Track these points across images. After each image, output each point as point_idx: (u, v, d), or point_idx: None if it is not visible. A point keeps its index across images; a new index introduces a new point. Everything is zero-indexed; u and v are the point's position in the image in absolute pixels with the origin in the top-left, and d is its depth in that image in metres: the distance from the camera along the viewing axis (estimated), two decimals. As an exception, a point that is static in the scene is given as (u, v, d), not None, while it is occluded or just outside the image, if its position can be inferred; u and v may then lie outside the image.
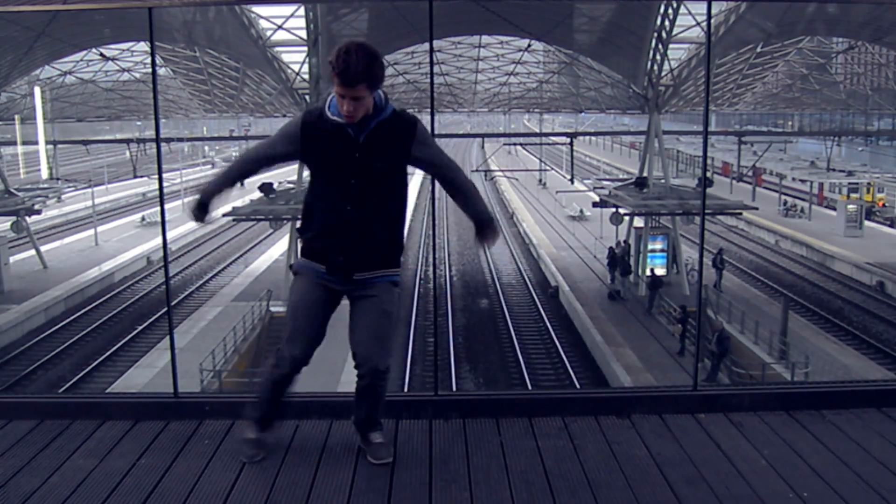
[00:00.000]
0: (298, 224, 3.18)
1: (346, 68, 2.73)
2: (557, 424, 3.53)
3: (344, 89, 2.77)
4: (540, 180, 53.13)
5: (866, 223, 34.16)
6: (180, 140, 46.89)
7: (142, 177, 41.93)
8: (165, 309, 25.17)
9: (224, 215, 30.38)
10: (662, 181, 28.48)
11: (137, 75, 31.55)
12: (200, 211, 3.11)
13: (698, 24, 23.59)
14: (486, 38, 29.58)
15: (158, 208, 30.68)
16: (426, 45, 27.08)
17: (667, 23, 23.83)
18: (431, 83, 31.59)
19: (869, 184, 40.47)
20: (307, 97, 26.85)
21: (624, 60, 27.75)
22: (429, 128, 3.20)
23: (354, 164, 2.92)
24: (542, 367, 20.81)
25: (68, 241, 35.27)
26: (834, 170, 43.51)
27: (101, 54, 28.59)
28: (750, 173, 43.88)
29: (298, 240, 3.18)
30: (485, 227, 3.09)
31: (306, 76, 26.08)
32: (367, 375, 3.08)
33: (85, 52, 28.54)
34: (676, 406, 3.70)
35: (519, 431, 3.45)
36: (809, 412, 3.67)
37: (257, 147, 3.14)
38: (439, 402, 3.67)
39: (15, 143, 39.45)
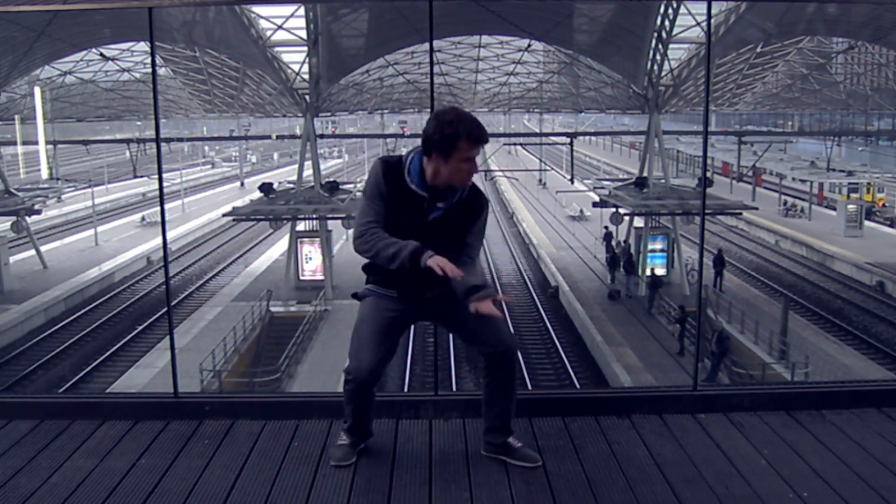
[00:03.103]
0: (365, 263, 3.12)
1: (477, 126, 2.84)
2: (557, 424, 3.53)
3: (476, 149, 2.86)
4: (540, 180, 53.12)
5: (866, 223, 34.16)
6: (180, 140, 46.86)
7: (142, 177, 41.93)
8: (165, 309, 25.18)
9: (224, 215, 30.45)
10: (662, 181, 28.49)
11: (137, 75, 31.54)
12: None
13: (698, 24, 23.58)
14: (486, 38, 29.56)
15: (158, 208, 30.75)
16: (426, 45, 27.06)
17: (667, 23, 23.82)
18: (431, 83, 31.56)
19: (869, 184, 40.47)
20: (307, 97, 26.85)
21: (624, 60, 27.75)
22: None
23: (422, 229, 2.94)
24: (542, 367, 20.81)
25: (68, 241, 35.27)
26: (834, 170, 43.51)
27: (101, 54, 28.58)
28: (750, 173, 43.89)
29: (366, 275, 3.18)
30: (475, 292, 2.88)
31: (306, 76, 26.08)
32: (504, 358, 3.08)
33: (85, 52, 28.51)
34: (676, 406, 3.70)
35: (519, 431, 3.45)
36: (809, 412, 3.67)
37: (372, 222, 2.98)
38: (439, 402, 3.67)
39: (15, 143, 39.43)
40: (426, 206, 2.94)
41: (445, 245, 2.91)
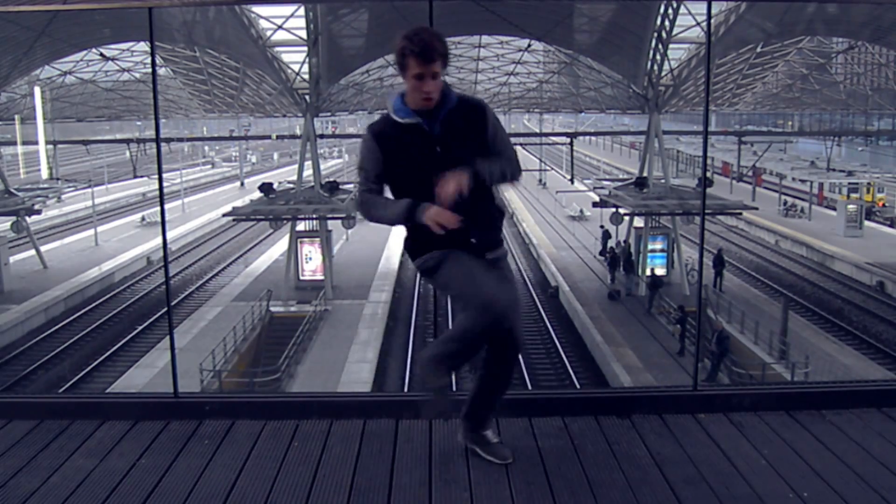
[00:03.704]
0: (405, 240, 3.04)
1: (424, 45, 2.73)
2: (557, 424, 3.53)
3: (424, 66, 2.74)
4: (540, 180, 53.13)
5: (866, 223, 34.16)
6: (180, 140, 46.90)
7: (142, 177, 41.95)
8: (165, 309, 25.18)
9: (224, 215, 30.45)
10: (662, 181, 28.49)
11: (137, 75, 31.56)
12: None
13: (698, 24, 23.60)
14: (486, 38, 29.57)
15: (158, 208, 30.78)
16: (426, 45, 27.02)
17: (667, 23, 23.83)
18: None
19: (869, 184, 40.48)
20: (307, 97, 26.85)
21: (624, 60, 27.75)
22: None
23: (437, 160, 2.85)
24: (542, 367, 20.80)
25: (68, 241, 35.28)
26: (834, 170, 43.54)
27: (101, 54, 28.60)
28: (750, 173, 43.89)
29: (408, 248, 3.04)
30: (471, 172, 2.82)
31: (306, 76, 26.08)
32: (512, 355, 3.07)
33: (85, 52, 28.54)
34: (676, 406, 3.70)
35: (519, 431, 3.45)
36: (809, 412, 3.67)
37: (368, 186, 2.96)
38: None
39: (15, 143, 39.46)
40: (427, 128, 2.87)
41: (464, 157, 2.84)
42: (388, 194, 2.99)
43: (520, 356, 3.14)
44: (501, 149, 2.98)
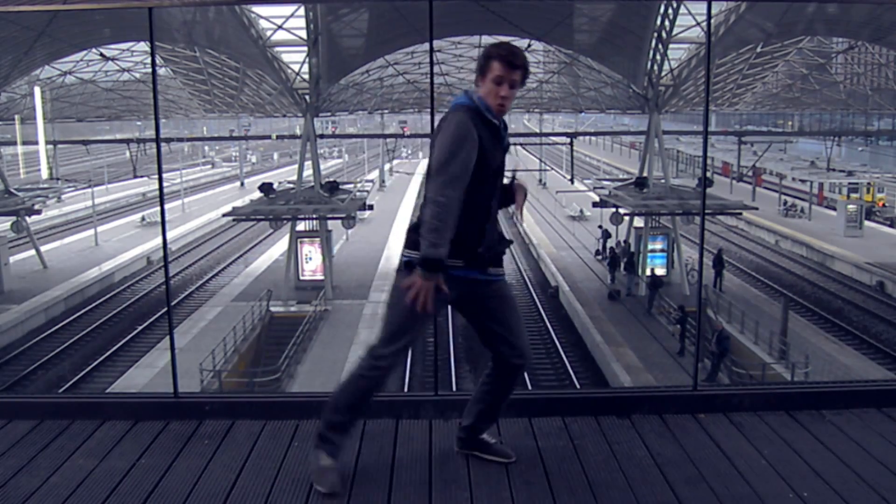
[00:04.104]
0: (409, 230, 2.97)
1: (511, 51, 2.89)
2: (557, 424, 3.53)
3: (506, 71, 2.86)
4: (540, 180, 53.12)
5: (866, 223, 34.17)
6: (180, 140, 46.90)
7: (142, 177, 41.94)
8: (165, 309, 25.18)
9: (224, 215, 30.44)
10: (662, 181, 28.50)
11: (137, 75, 31.55)
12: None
13: (698, 24, 23.58)
14: (486, 38, 29.54)
15: (158, 208, 30.76)
16: (426, 45, 27.06)
17: (667, 23, 23.82)
18: (431, 83, 31.59)
19: (869, 184, 40.48)
20: (307, 97, 26.85)
21: (624, 60, 27.75)
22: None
23: (499, 167, 2.99)
24: (542, 367, 20.80)
25: (68, 241, 35.28)
26: (834, 170, 43.53)
27: (101, 54, 28.59)
28: (750, 173, 43.88)
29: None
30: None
31: (306, 76, 26.08)
32: (522, 365, 3.14)
33: (85, 52, 28.53)
34: (676, 406, 3.70)
35: (519, 431, 3.45)
36: (809, 412, 3.67)
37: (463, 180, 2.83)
38: (439, 401, 3.67)
39: (15, 143, 39.45)
40: (503, 134, 2.98)
41: (502, 171, 3.03)
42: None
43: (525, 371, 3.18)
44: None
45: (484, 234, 2.95)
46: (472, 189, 2.85)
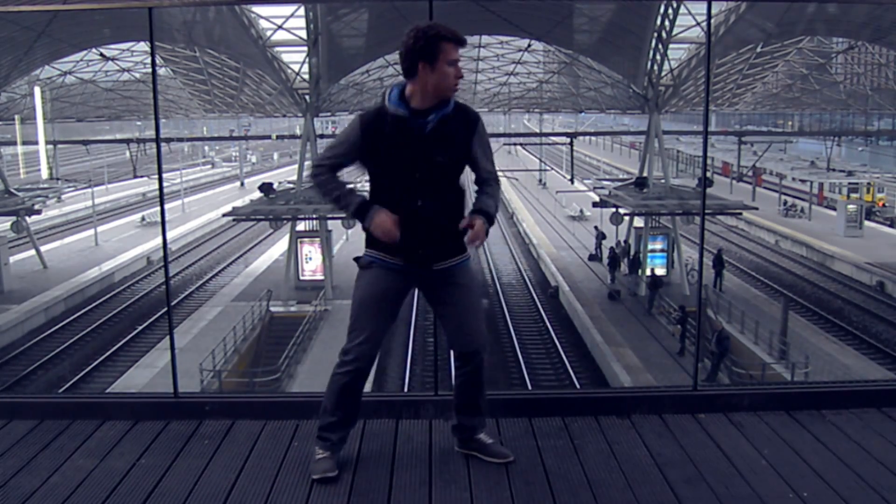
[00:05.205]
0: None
1: (455, 32, 2.85)
2: (557, 424, 3.53)
3: (458, 51, 2.85)
4: (540, 180, 53.12)
5: (866, 223, 34.14)
6: (180, 140, 46.91)
7: (142, 177, 41.92)
8: (165, 309, 25.17)
9: (224, 215, 30.43)
10: (662, 181, 28.50)
11: (137, 75, 31.55)
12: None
13: (698, 24, 23.59)
14: (486, 38, 29.56)
15: (158, 208, 30.74)
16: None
17: (667, 23, 23.83)
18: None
19: (869, 184, 40.46)
20: (307, 97, 26.85)
21: (624, 60, 27.75)
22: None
23: (419, 158, 2.89)
24: (542, 367, 20.80)
25: (68, 241, 35.26)
26: (834, 170, 43.49)
27: (101, 54, 28.60)
28: (750, 173, 43.87)
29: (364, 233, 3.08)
30: (480, 215, 2.94)
31: (306, 76, 26.08)
32: (473, 358, 3.08)
33: (85, 52, 28.54)
34: (676, 406, 3.70)
35: (519, 431, 3.45)
36: (809, 412, 3.67)
37: (325, 163, 3.03)
38: (439, 402, 3.67)
39: (15, 143, 39.44)
40: (412, 125, 2.87)
41: (445, 163, 2.92)
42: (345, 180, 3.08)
43: (484, 352, 3.11)
44: (490, 167, 3.05)
45: (412, 234, 2.91)
46: (384, 185, 2.97)
